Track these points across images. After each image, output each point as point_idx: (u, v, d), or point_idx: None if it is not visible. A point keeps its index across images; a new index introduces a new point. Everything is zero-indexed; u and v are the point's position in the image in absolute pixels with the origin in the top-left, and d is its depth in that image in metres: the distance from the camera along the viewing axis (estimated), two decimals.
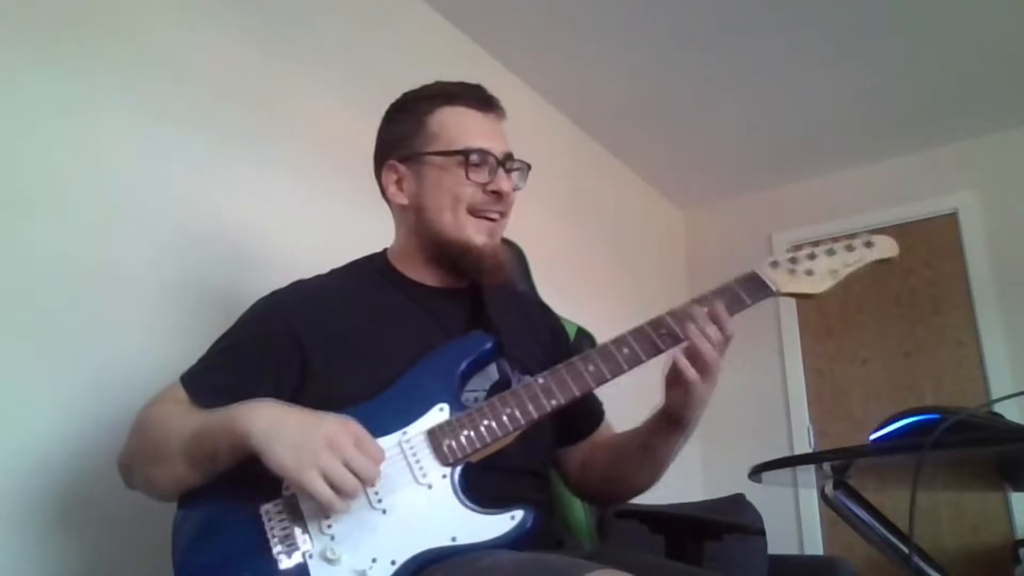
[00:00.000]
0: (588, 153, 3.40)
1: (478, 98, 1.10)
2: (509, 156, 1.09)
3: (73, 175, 1.49)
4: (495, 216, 1.08)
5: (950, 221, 3.42)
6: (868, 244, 1.04)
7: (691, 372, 0.95)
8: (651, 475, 1.11)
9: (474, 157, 1.05)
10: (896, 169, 3.59)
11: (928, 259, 3.40)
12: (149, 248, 1.60)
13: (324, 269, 1.18)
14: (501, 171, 1.07)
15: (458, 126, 1.08)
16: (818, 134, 3.42)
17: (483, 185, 1.06)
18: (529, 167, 1.13)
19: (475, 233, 1.07)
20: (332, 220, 2.04)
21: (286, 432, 0.84)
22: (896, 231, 3.49)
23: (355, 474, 0.82)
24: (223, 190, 1.78)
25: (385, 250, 1.18)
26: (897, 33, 2.70)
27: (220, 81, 1.82)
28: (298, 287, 1.12)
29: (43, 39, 1.49)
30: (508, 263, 1.13)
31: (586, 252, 3.24)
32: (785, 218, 3.85)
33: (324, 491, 0.81)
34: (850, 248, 1.04)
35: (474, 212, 1.07)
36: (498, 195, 1.07)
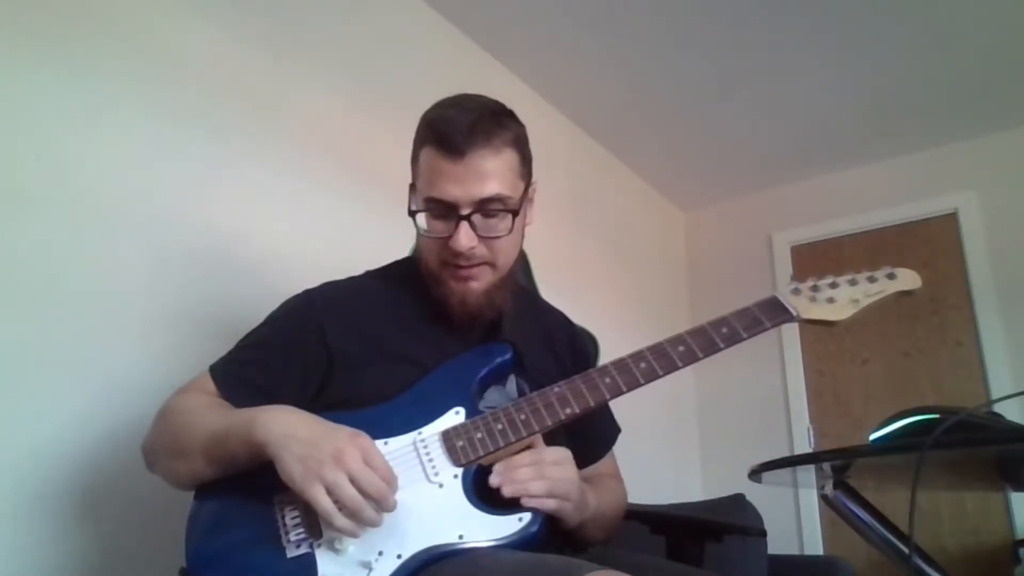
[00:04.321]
0: (588, 153, 3.40)
1: (448, 142, 0.99)
2: (479, 203, 0.99)
3: (72, 178, 1.49)
4: (462, 272, 1.03)
5: (950, 221, 3.41)
6: (891, 276, 1.05)
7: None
8: (593, 536, 1.07)
9: (433, 210, 1.01)
10: (896, 169, 3.59)
11: (928, 259, 3.39)
12: (148, 251, 1.60)
13: (325, 272, 1.18)
14: (463, 224, 0.98)
15: (428, 171, 1.01)
16: (818, 134, 3.42)
17: (445, 240, 1.01)
18: (514, 212, 1.02)
19: (448, 280, 1.05)
20: (332, 221, 2.04)
21: (296, 444, 0.84)
22: (896, 231, 3.56)
23: (362, 490, 0.82)
24: (223, 191, 1.78)
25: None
26: (897, 33, 2.70)
27: (219, 82, 1.82)
28: (331, 287, 1.12)
29: (42, 40, 1.49)
30: (490, 307, 1.06)
31: (586, 252, 3.24)
32: (785, 218, 3.85)
33: (326, 505, 0.81)
34: (872, 279, 1.05)
35: (443, 266, 1.04)
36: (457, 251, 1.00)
